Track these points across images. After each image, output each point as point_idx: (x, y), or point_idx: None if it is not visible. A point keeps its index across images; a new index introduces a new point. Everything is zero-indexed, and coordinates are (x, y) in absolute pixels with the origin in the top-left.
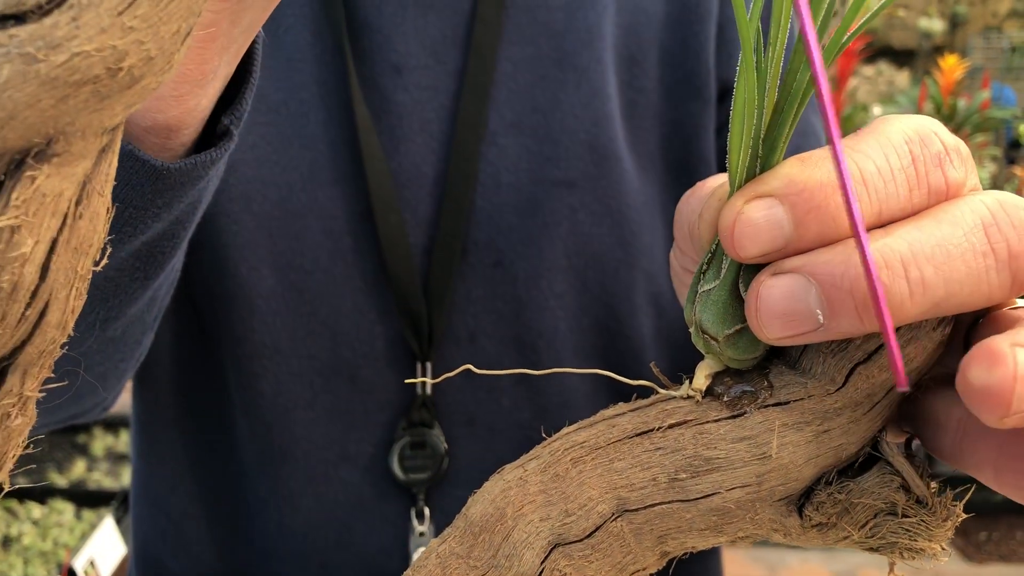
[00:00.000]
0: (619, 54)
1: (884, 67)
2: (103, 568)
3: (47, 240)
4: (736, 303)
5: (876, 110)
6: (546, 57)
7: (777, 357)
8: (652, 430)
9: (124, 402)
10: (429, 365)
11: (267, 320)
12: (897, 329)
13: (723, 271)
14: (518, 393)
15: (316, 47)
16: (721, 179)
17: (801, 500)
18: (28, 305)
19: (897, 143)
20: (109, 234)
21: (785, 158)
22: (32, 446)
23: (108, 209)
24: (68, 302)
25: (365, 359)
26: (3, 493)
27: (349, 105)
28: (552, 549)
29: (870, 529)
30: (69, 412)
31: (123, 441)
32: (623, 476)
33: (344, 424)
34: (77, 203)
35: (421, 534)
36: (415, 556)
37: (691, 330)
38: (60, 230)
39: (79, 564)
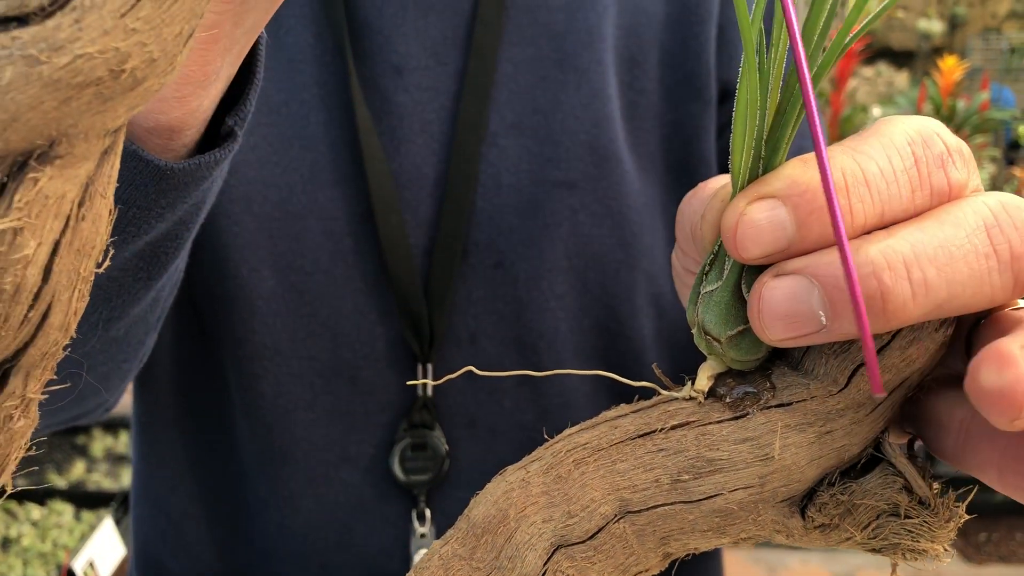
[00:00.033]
0: (620, 55)
1: (883, 68)
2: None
3: (50, 242)
4: (739, 304)
5: (875, 111)
6: (547, 58)
7: (779, 358)
8: (654, 431)
9: (124, 403)
10: (430, 366)
11: (268, 321)
12: (899, 330)
13: (726, 272)
14: (519, 394)
15: (317, 48)
16: (723, 180)
17: (804, 501)
18: (31, 307)
19: (900, 144)
20: (112, 234)
21: (788, 159)
22: (35, 448)
23: (111, 211)
24: (71, 304)
25: (366, 360)
26: (5, 495)
27: (350, 106)
28: (555, 550)
29: (872, 530)
30: (71, 413)
31: (122, 442)
32: (626, 477)
33: (345, 425)
34: (80, 205)
35: (422, 536)
36: (416, 558)
37: (693, 331)
38: (63, 232)
39: (78, 565)
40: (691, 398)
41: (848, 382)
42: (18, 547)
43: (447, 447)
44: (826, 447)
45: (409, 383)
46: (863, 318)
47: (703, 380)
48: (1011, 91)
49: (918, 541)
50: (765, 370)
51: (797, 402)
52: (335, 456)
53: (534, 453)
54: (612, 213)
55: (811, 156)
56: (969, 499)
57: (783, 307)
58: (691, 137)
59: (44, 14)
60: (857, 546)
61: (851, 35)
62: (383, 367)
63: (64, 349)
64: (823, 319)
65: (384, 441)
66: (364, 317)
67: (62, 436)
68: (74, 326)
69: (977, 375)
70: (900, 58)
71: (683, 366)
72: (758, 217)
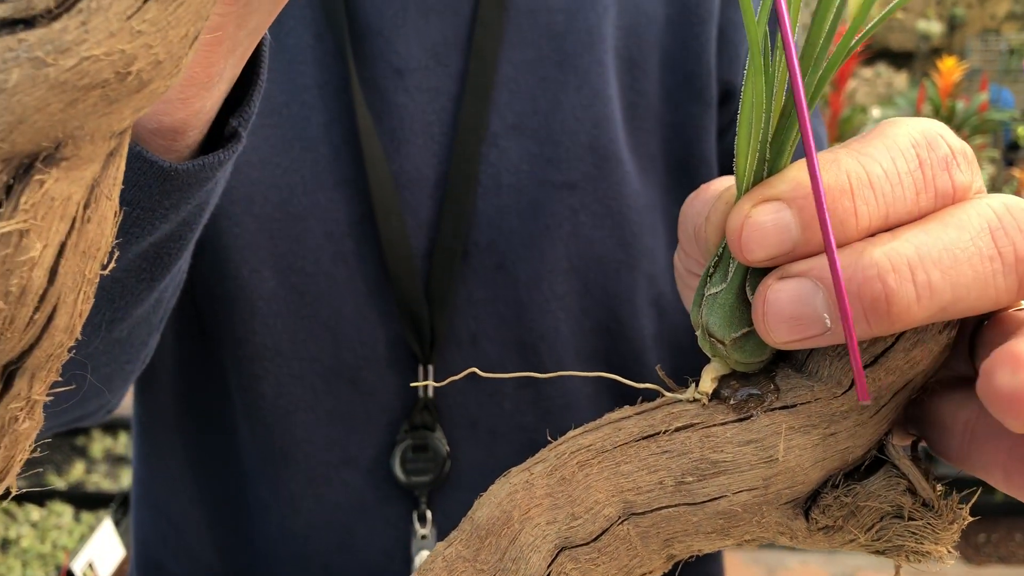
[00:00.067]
0: (620, 56)
1: (883, 69)
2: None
3: (55, 244)
4: (743, 306)
5: (875, 112)
6: (547, 59)
7: (783, 360)
8: (658, 433)
9: (123, 404)
10: (431, 368)
11: (268, 322)
12: (903, 332)
13: (730, 274)
14: (520, 396)
15: (317, 50)
16: (727, 182)
17: (807, 503)
18: (36, 309)
19: (904, 147)
20: (117, 236)
21: (792, 161)
22: (39, 449)
23: (116, 213)
24: (76, 306)
25: (366, 361)
26: (9, 497)
27: (350, 108)
28: (559, 552)
29: (876, 532)
30: (74, 415)
31: (122, 443)
32: (629, 479)
33: (345, 426)
34: (85, 207)
35: (423, 537)
36: (417, 559)
37: (697, 333)
38: (68, 234)
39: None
40: (695, 400)
41: (852, 384)
42: (17, 548)
43: (448, 448)
44: (830, 449)
45: (412, 384)
46: (849, 326)
47: (707, 382)
48: (1010, 92)
49: (922, 543)
50: (769, 372)
51: (801, 404)
52: (336, 457)
53: (538, 455)
54: (613, 214)
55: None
56: (973, 501)
57: (787, 309)
58: (691, 138)
59: (50, 16)
60: (861, 548)
61: (856, 38)
62: (384, 368)
63: (69, 351)
64: (827, 321)
65: (385, 442)
66: (365, 318)
67: (61, 437)
68: (79, 328)
69: (991, 377)
70: (899, 59)
71: (684, 367)
72: (763, 219)
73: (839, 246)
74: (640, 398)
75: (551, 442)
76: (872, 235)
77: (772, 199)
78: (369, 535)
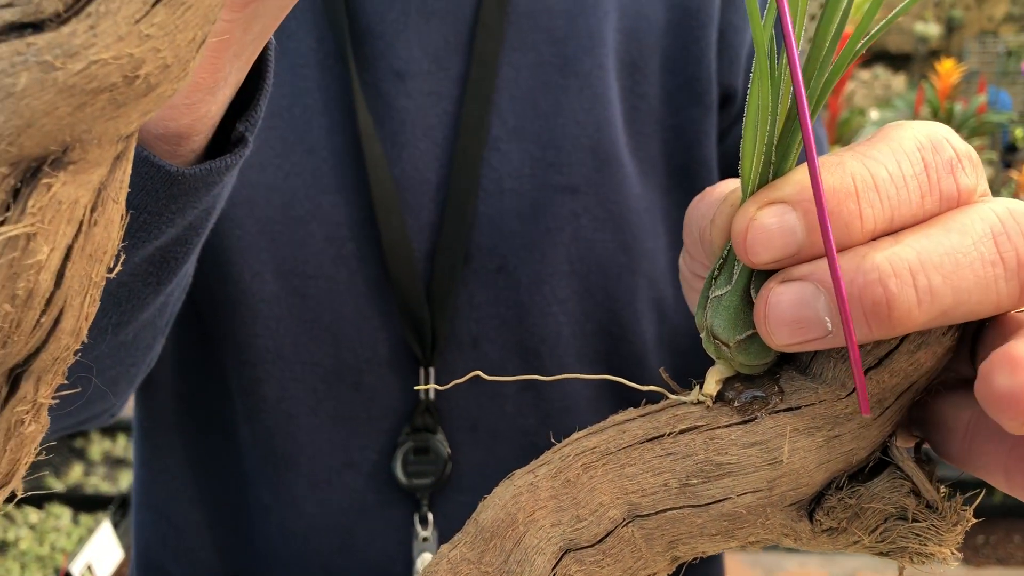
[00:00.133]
0: (621, 60)
1: (881, 71)
2: (100, 572)
3: (62, 247)
4: (747, 309)
5: (873, 114)
6: (548, 63)
7: (788, 362)
8: (663, 435)
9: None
10: (432, 371)
11: (270, 325)
12: (907, 335)
13: (735, 276)
14: (521, 399)
15: (319, 53)
16: (731, 185)
17: (812, 505)
18: (43, 312)
19: (909, 150)
20: (123, 239)
21: (797, 165)
22: (44, 452)
23: (122, 216)
24: (82, 309)
25: (368, 364)
26: (15, 500)
27: (352, 111)
28: (563, 554)
29: (880, 534)
30: (79, 418)
31: (120, 445)
32: (634, 481)
33: (347, 429)
34: (92, 210)
35: (424, 539)
36: (418, 562)
37: (702, 335)
38: (75, 237)
39: (76, 568)
40: (699, 402)
41: (855, 388)
42: (16, 551)
43: (449, 451)
44: (834, 451)
45: (416, 387)
46: (850, 331)
47: (711, 384)
48: (1008, 94)
49: (926, 545)
50: (773, 374)
51: (805, 406)
52: (337, 460)
53: (542, 457)
54: (614, 217)
55: (821, 160)
56: (976, 503)
57: (789, 312)
58: (692, 142)
59: (59, 20)
60: (865, 550)
61: (861, 42)
62: (385, 371)
63: (74, 354)
64: (829, 325)
65: (386, 445)
66: (366, 321)
67: (60, 440)
68: (85, 331)
69: (989, 379)
70: (897, 61)
71: (685, 370)
72: (768, 222)
73: (844, 249)
74: (644, 400)
75: (553, 444)
76: (877, 238)
77: (777, 202)
78: (370, 537)
